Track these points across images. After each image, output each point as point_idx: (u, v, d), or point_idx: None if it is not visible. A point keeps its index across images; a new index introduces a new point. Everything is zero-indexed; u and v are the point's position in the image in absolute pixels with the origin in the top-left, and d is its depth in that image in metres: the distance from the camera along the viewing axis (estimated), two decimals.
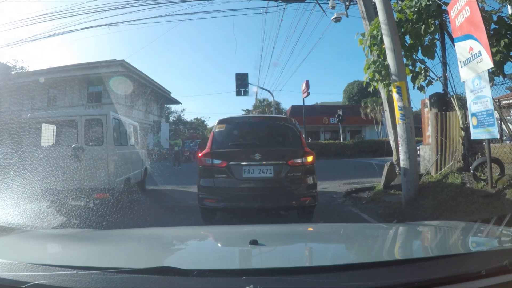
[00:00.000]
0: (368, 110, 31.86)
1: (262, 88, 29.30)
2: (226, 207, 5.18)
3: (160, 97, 32.47)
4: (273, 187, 5.10)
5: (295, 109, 35.52)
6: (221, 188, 5.07)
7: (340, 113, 25.44)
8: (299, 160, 5.11)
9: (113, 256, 1.65)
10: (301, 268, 1.29)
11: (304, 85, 27.88)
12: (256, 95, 37.51)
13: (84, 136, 6.64)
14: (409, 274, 1.13)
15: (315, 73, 79.84)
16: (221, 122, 5.60)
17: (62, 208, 5.89)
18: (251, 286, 0.98)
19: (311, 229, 2.67)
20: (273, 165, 5.06)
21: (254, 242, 1.52)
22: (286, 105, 42.51)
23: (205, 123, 64.05)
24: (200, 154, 5.44)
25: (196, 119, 60.90)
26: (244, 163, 5.08)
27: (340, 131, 27.71)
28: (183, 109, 51.87)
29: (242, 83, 24.14)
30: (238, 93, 24.20)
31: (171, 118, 50.36)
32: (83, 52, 77.98)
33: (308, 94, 27.17)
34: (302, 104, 27.88)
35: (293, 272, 1.14)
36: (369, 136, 32.53)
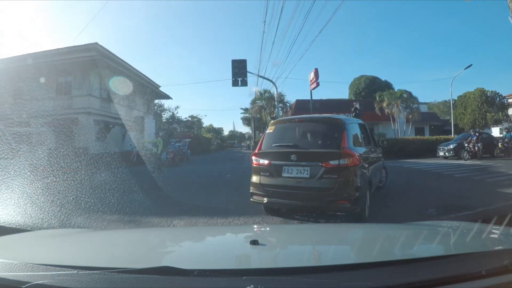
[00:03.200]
0: (385, 105, 27.73)
1: (263, 78, 25.36)
2: (269, 203, 5.64)
3: (146, 90, 28.07)
4: (308, 188, 5.20)
5: (300, 104, 31.63)
6: (265, 185, 5.52)
7: (357, 106, 21.23)
8: (335, 162, 5.05)
9: (113, 256, 1.66)
10: (302, 268, 1.27)
11: (312, 74, 23.98)
12: (256, 86, 33.93)
13: None
14: (409, 274, 1.13)
15: (321, 69, 76.73)
16: (271, 124, 6.16)
17: None
18: (252, 286, 0.99)
19: (311, 229, 2.62)
20: (309, 166, 5.19)
21: (254, 242, 1.52)
22: (291, 98, 39.18)
23: (201, 121, 60.53)
24: (252, 154, 6.01)
25: (192, 117, 56.94)
26: (283, 163, 5.39)
27: None
28: (177, 107, 47.51)
29: (239, 71, 20.46)
30: (235, 83, 20.48)
31: (164, 117, 46.49)
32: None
33: (317, 84, 23.35)
34: (307, 97, 24.30)
35: (293, 272, 1.15)
36: (387, 134, 28.37)
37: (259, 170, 5.64)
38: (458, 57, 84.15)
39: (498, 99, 35.04)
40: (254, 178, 5.70)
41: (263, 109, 35.80)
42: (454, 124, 30.35)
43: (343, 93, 50.77)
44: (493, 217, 2.05)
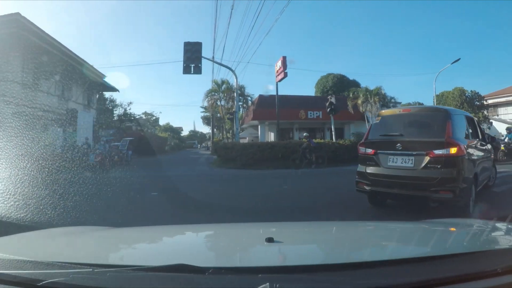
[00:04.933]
0: (359, 102, 25.28)
1: (220, 64, 22.09)
2: (373, 191, 5.78)
3: (86, 79, 23.62)
4: (413, 177, 5.22)
5: (263, 99, 28.54)
6: (370, 174, 5.72)
7: (333, 100, 18.35)
8: (439, 152, 5.05)
9: (128, 253, 1.70)
10: (317, 265, 1.25)
11: (279, 64, 20.98)
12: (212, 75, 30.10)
13: None
14: (426, 272, 1.11)
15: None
16: (378, 115, 6.43)
17: None
18: (267, 284, 0.97)
19: (327, 226, 2.61)
20: (414, 156, 5.25)
21: (270, 240, 1.51)
22: (253, 90, 35.53)
23: (157, 119, 55.63)
24: (358, 144, 6.30)
25: (146, 114, 51.96)
26: (389, 152, 5.54)
27: (332, 126, 20.15)
28: (130, 102, 42.44)
29: (192, 55, 17.70)
30: (186, 70, 17.79)
31: (116, 113, 41.45)
32: None
33: (285, 75, 20.45)
34: (271, 92, 21.51)
35: (309, 270, 1.15)
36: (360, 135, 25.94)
37: (365, 160, 5.86)
38: (427, 61, 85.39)
39: (477, 99, 34.54)
40: (360, 167, 5.96)
41: (220, 103, 31.44)
42: None
43: (309, 92, 48.55)
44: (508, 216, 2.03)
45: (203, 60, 18.24)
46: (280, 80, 21.24)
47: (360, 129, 27.29)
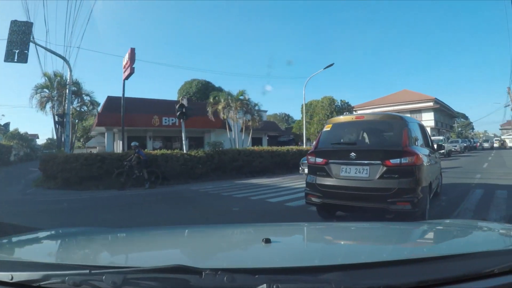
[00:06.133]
0: (220, 107, 22.37)
1: (51, 52, 16.62)
2: (325, 204, 5.49)
3: None
4: (368, 188, 5.03)
5: (112, 102, 23.46)
6: (321, 185, 5.39)
7: (185, 102, 14.58)
8: (396, 161, 4.87)
9: (125, 255, 1.71)
10: (315, 267, 1.22)
11: (126, 57, 16.82)
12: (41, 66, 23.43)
13: None
14: (423, 273, 1.11)
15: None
16: (329, 122, 6.02)
17: None
18: (265, 285, 0.99)
19: (325, 227, 2.65)
20: (369, 165, 5.04)
21: (267, 241, 1.51)
22: (95, 89, 29.30)
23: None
24: (308, 153, 5.89)
25: None
26: (341, 162, 5.27)
27: (183, 133, 15.50)
28: None
29: (19, 38, 13.73)
30: (9, 56, 13.71)
31: None
32: None
33: (132, 70, 16.49)
34: (121, 92, 17.22)
35: (306, 271, 1.14)
36: None
37: (315, 170, 5.60)
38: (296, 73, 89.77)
39: (347, 109, 35.46)
40: (309, 178, 5.68)
41: (52, 102, 24.35)
42: (297, 134, 27.69)
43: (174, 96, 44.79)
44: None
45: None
46: (127, 77, 17.09)
47: (221, 137, 24.69)
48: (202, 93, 36.71)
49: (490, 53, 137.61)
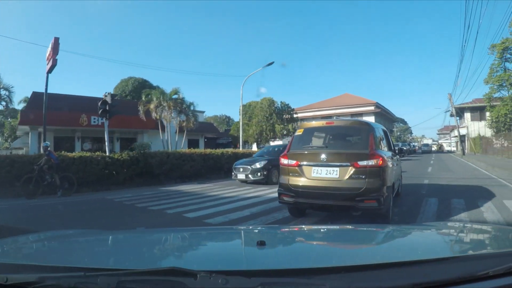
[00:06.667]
0: (152, 106, 21.43)
1: None
2: (297, 203, 5.87)
3: None
4: (338, 187, 5.35)
5: (38, 99, 21.58)
6: (293, 186, 5.73)
7: (108, 99, 13.62)
8: (364, 163, 5.25)
9: (120, 257, 1.68)
10: (309, 269, 1.22)
11: (49, 49, 15.52)
12: None
13: None
14: (418, 275, 1.12)
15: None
16: (300, 127, 6.53)
17: None
18: (259, 287, 1.00)
19: (319, 230, 2.62)
20: (339, 167, 5.39)
21: (261, 243, 1.52)
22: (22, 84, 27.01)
23: None
24: (281, 156, 6.13)
25: None
26: (313, 164, 5.62)
27: (106, 134, 14.85)
28: None
29: None
30: None
31: None
32: None
33: (55, 63, 15.20)
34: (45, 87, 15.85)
35: (301, 273, 1.14)
36: (153, 146, 21.59)
37: (288, 171, 5.88)
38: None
39: (287, 111, 35.05)
40: (282, 179, 5.98)
41: None
42: (235, 136, 27.43)
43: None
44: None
45: None
46: (50, 70, 15.57)
47: (154, 139, 23.84)
48: (138, 91, 35.22)
49: (432, 61, 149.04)
